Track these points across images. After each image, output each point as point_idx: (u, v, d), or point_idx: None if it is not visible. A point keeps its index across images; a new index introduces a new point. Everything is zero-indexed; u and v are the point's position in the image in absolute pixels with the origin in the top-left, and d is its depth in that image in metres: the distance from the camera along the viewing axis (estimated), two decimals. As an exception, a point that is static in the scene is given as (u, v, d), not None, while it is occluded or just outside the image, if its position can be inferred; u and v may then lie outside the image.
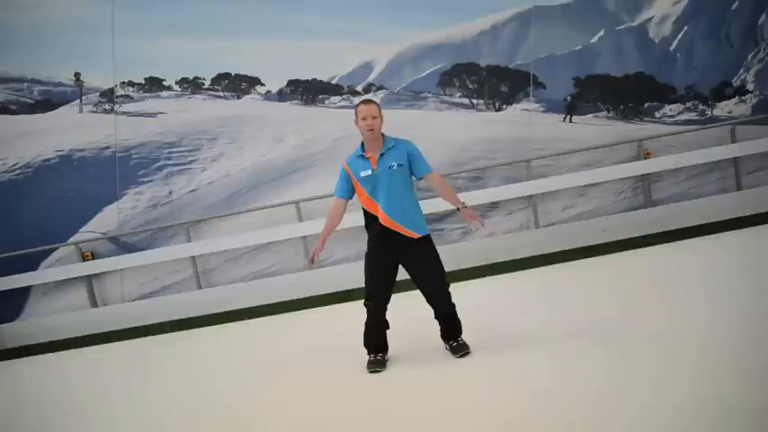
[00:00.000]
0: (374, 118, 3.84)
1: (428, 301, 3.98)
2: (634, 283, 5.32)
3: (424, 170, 3.92)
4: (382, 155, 3.86)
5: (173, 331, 6.83)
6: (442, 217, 6.87)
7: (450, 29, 8.29)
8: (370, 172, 3.85)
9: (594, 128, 7.88)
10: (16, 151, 7.78)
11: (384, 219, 3.85)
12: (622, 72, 8.02)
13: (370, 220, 3.92)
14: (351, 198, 3.99)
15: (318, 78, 8.33)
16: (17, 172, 7.71)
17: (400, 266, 3.96)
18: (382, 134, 3.92)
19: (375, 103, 3.96)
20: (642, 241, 6.69)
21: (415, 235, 3.88)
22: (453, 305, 3.99)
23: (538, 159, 7.35)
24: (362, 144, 3.92)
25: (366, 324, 4.00)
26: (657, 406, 2.92)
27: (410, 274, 3.98)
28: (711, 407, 2.83)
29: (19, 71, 8.31)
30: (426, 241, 3.92)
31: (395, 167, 3.84)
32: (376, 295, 3.93)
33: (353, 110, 3.93)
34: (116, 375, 5.38)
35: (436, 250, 3.95)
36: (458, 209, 3.93)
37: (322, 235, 3.99)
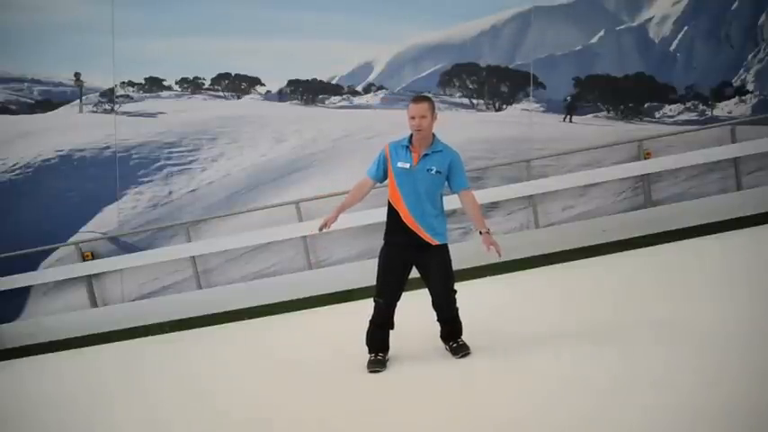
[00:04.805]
0: (422, 117, 3.74)
1: (432, 303, 3.97)
2: (634, 284, 5.33)
3: (460, 185, 3.87)
4: (426, 155, 3.80)
5: (172, 331, 6.83)
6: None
7: (451, 29, 8.29)
8: (408, 166, 3.79)
9: (594, 128, 7.87)
10: (16, 151, 7.78)
11: (406, 216, 3.82)
12: (622, 72, 8.01)
13: (393, 212, 3.88)
14: (380, 181, 3.93)
15: (318, 78, 8.32)
16: (17, 172, 7.70)
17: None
18: (433, 134, 3.85)
19: (427, 100, 3.83)
20: (642, 241, 6.68)
21: (434, 241, 3.85)
22: (456, 309, 3.99)
23: (538, 159, 7.35)
24: (411, 135, 3.84)
25: (371, 321, 3.98)
26: (658, 406, 2.92)
27: (421, 275, 3.97)
28: (712, 407, 2.83)
29: (19, 71, 8.31)
30: (443, 248, 3.90)
31: (433, 172, 3.79)
32: (386, 292, 3.91)
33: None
34: (116, 375, 5.37)
35: (450, 258, 3.92)
36: (480, 232, 3.88)
37: (338, 207, 3.95)
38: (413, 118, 3.76)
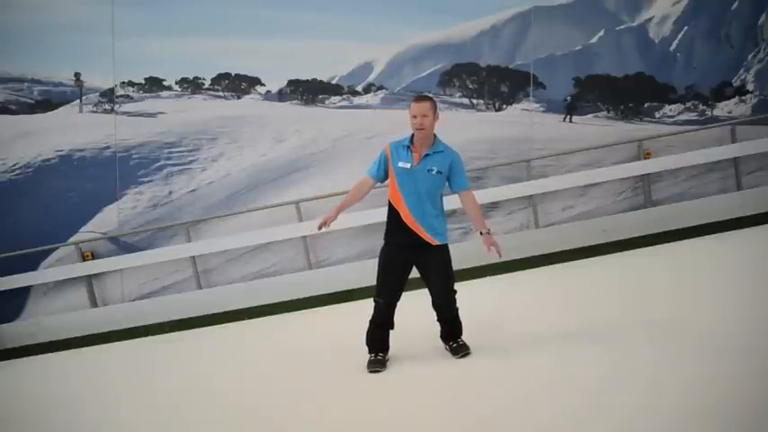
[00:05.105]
0: (424, 117, 3.74)
1: (432, 303, 3.97)
2: (634, 284, 5.32)
3: (461, 186, 3.87)
4: (428, 155, 3.80)
5: (173, 331, 6.83)
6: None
7: (451, 29, 8.29)
8: (408, 165, 3.79)
9: (594, 128, 7.87)
10: (16, 151, 7.78)
11: (407, 216, 3.82)
12: (622, 72, 8.01)
13: (394, 213, 3.88)
14: (381, 181, 3.92)
15: (318, 78, 8.33)
16: (17, 172, 7.71)
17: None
18: (434, 135, 3.85)
19: (429, 99, 3.83)
20: (642, 241, 6.69)
21: (434, 241, 3.85)
22: (456, 309, 3.99)
23: (538, 159, 7.36)
24: (412, 135, 3.84)
25: (371, 321, 3.97)
26: (657, 406, 2.92)
27: (421, 275, 3.96)
28: (711, 407, 2.83)
29: (19, 71, 8.31)
30: (443, 249, 3.89)
31: (434, 172, 3.78)
32: (386, 292, 3.90)
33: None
34: (116, 375, 5.37)
35: (450, 258, 3.92)
36: (480, 233, 3.88)
37: (338, 206, 3.94)
38: (415, 117, 3.76)
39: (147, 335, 6.82)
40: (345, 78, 8.43)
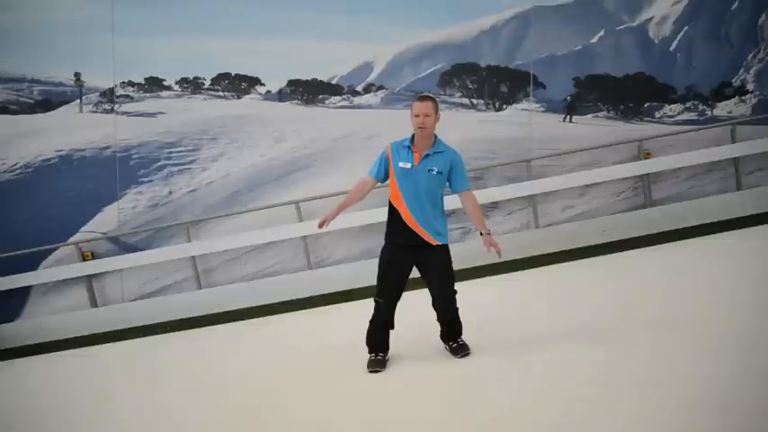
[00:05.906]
0: (426, 116, 3.74)
1: (433, 303, 3.97)
2: (633, 284, 5.32)
3: (461, 186, 3.87)
4: (428, 155, 3.80)
5: (173, 331, 6.83)
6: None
7: (451, 29, 8.31)
8: (409, 166, 3.78)
9: (594, 128, 7.88)
10: (16, 151, 7.79)
11: (407, 216, 3.83)
12: (622, 72, 8.02)
13: (394, 213, 3.88)
14: (382, 181, 3.91)
15: (318, 78, 8.34)
16: (17, 172, 7.71)
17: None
18: (435, 135, 3.85)
19: (431, 99, 3.83)
20: (642, 241, 6.69)
21: (435, 241, 3.85)
22: (456, 309, 3.99)
23: (538, 159, 7.36)
24: (413, 136, 3.84)
25: (371, 321, 3.97)
26: (656, 406, 2.92)
27: (421, 275, 3.96)
28: (710, 407, 2.83)
29: (19, 71, 8.32)
30: (443, 249, 3.90)
31: (434, 173, 3.78)
32: (386, 292, 3.90)
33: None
34: (116, 376, 5.37)
35: (450, 258, 3.92)
36: (480, 233, 3.89)
37: (339, 205, 3.93)
38: (417, 116, 3.77)
39: (147, 335, 6.81)
40: (345, 78, 8.44)
